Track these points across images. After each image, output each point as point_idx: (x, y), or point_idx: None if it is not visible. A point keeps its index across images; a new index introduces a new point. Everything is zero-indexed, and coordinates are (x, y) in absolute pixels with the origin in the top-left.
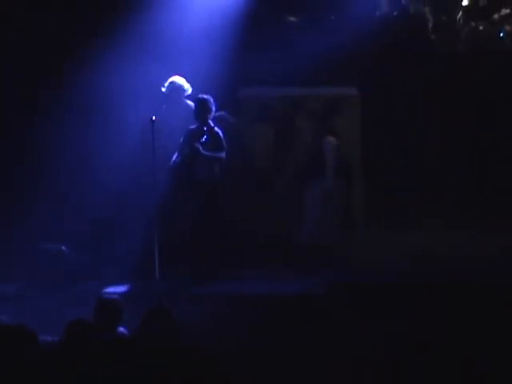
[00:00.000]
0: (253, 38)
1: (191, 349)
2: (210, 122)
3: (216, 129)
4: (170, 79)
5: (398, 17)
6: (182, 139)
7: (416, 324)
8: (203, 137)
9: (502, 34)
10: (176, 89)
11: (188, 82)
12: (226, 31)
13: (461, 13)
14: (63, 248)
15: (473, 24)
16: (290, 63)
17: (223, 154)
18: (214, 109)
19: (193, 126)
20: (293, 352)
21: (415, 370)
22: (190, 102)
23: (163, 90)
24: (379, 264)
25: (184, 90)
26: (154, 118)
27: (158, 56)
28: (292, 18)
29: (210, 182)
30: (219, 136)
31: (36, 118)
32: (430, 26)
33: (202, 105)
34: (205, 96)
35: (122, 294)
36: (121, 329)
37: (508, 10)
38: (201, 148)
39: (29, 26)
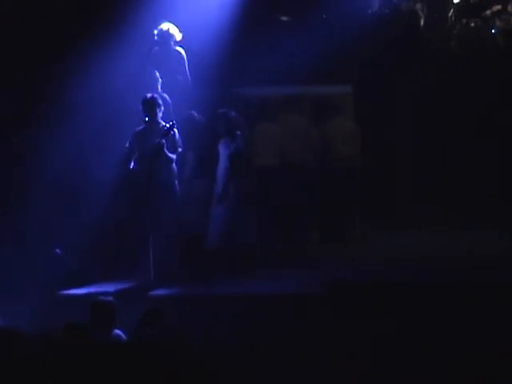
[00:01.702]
0: (247, 38)
1: (188, 350)
2: (160, 120)
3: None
4: (161, 25)
5: (389, 14)
6: (128, 141)
7: (415, 323)
8: (169, 134)
9: (493, 31)
10: (165, 34)
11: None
12: (222, 31)
13: (452, 10)
14: (59, 250)
15: (464, 21)
16: (282, 62)
17: (179, 152)
18: (162, 106)
19: (140, 127)
20: (292, 352)
21: (415, 369)
22: (179, 49)
23: (155, 37)
24: (379, 264)
25: (172, 35)
26: (146, 119)
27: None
28: (285, 18)
29: (168, 182)
30: (175, 136)
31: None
32: (422, 23)
33: (149, 104)
34: (152, 95)
35: (117, 297)
36: (117, 331)
37: (499, 6)
38: (165, 146)
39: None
